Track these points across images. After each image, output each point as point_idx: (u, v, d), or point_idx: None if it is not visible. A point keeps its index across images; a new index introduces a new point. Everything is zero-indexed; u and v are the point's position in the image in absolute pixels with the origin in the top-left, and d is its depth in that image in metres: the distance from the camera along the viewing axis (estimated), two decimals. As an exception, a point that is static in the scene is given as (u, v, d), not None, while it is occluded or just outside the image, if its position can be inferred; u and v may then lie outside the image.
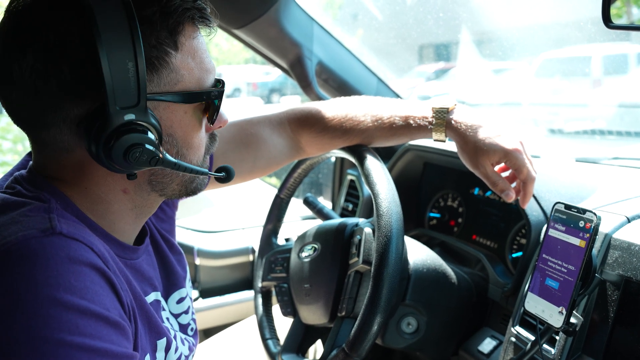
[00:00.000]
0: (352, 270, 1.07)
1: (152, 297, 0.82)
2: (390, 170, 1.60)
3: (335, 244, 1.14)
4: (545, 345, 0.97)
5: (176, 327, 0.89)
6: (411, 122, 1.07)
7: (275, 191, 1.38)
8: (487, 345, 1.19)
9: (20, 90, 0.65)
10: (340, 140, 1.13)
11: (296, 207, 1.99)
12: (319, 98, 1.57)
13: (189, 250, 1.94)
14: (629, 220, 1.01)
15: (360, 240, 1.07)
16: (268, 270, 1.32)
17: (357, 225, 1.14)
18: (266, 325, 1.31)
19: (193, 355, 0.90)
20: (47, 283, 0.56)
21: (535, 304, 0.92)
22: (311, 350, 1.45)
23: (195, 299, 1.91)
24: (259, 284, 1.34)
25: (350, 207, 1.83)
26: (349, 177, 1.85)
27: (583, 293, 0.88)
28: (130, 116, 0.65)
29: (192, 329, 0.93)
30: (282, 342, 1.24)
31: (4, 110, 0.70)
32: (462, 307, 1.22)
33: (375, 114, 1.11)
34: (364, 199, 1.76)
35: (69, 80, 0.64)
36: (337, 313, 1.08)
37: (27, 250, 0.58)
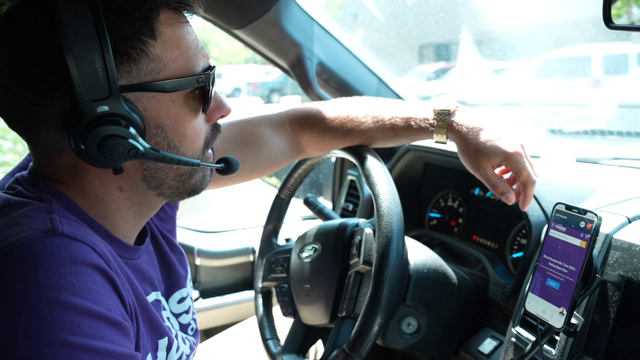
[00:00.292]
0: (352, 270, 1.07)
1: (152, 296, 0.82)
2: (390, 170, 1.61)
3: (335, 245, 1.14)
4: (545, 346, 0.97)
5: (177, 326, 0.89)
6: (412, 123, 1.07)
7: (276, 191, 1.38)
8: (487, 345, 1.19)
9: (3, 90, 0.65)
10: (341, 141, 1.13)
11: (296, 208, 1.99)
12: (320, 98, 1.57)
13: (190, 250, 1.94)
14: (629, 221, 1.01)
15: (360, 241, 1.07)
16: (268, 271, 1.32)
17: (357, 225, 1.14)
18: (266, 325, 1.31)
19: (194, 355, 0.91)
20: (49, 284, 0.56)
21: (535, 305, 0.92)
22: (312, 350, 1.45)
23: (196, 299, 1.91)
24: (260, 284, 1.34)
25: (351, 207, 1.83)
26: (350, 178, 1.85)
27: (584, 294, 0.88)
28: (103, 108, 0.64)
29: (192, 329, 0.93)
30: (282, 342, 1.24)
31: None
32: (463, 308, 1.22)
33: (376, 115, 1.10)
34: (364, 199, 1.76)
35: (44, 77, 0.63)
36: (337, 313, 1.08)
37: (29, 251, 0.58)
